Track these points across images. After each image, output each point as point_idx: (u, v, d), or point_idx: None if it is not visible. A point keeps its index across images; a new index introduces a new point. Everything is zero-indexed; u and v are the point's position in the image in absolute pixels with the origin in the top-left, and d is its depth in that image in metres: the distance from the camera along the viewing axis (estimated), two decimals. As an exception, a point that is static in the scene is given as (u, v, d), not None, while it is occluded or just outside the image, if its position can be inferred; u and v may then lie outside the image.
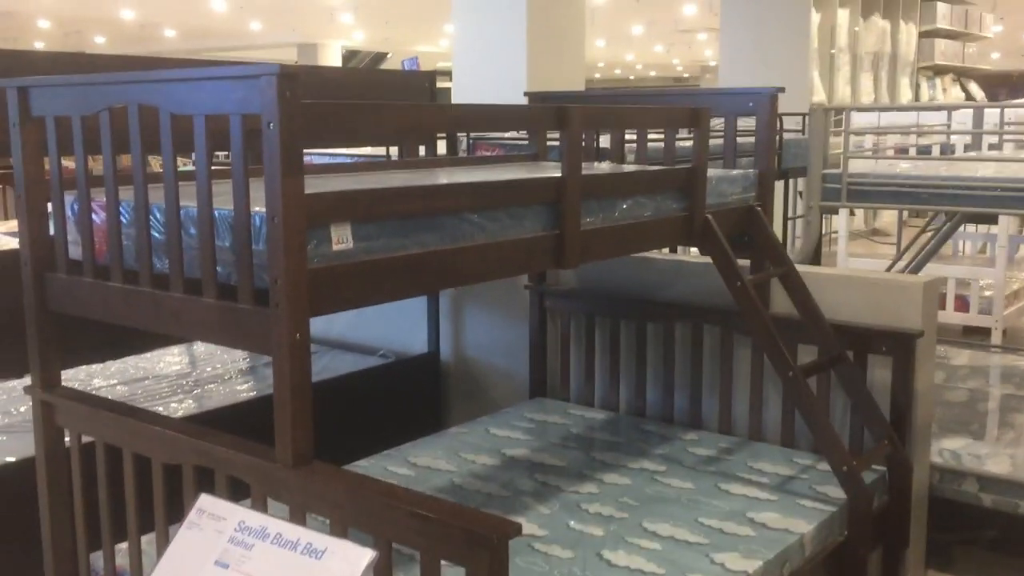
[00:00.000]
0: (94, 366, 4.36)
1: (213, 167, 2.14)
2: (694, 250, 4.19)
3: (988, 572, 3.62)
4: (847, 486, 3.01)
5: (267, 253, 2.00)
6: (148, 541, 2.57)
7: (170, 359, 4.61)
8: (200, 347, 4.84)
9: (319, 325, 4.85)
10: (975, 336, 6.39)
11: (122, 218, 2.36)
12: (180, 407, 3.82)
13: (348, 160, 4.32)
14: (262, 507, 2.08)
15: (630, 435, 3.70)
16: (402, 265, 2.24)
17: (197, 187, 2.12)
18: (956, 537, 3.88)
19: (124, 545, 2.57)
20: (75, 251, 2.50)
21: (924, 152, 5.56)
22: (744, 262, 3.35)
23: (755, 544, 2.76)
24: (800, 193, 6.32)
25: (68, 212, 2.50)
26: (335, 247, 2.10)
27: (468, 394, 4.53)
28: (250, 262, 2.06)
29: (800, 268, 3.44)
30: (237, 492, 2.17)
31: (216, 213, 2.13)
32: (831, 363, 3.29)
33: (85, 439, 2.59)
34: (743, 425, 3.67)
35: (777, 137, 4.10)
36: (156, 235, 2.28)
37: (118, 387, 4.09)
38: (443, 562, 1.86)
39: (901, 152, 5.66)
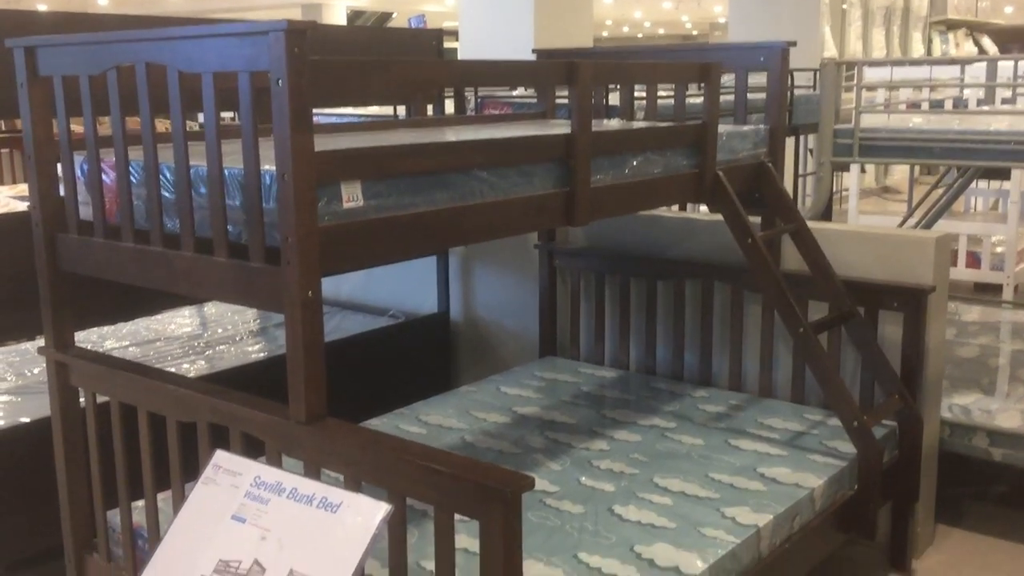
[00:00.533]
0: (106, 328, 4.39)
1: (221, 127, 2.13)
2: (704, 208, 4.17)
3: (997, 526, 3.64)
4: (857, 441, 3.02)
5: (277, 211, 1.99)
6: (164, 499, 2.60)
7: (181, 321, 4.63)
8: (211, 309, 4.86)
9: (328, 286, 4.86)
10: (986, 293, 6.37)
11: (132, 178, 2.35)
12: (192, 368, 3.84)
13: (356, 121, 4.30)
14: (276, 464, 2.10)
15: (640, 392, 3.71)
16: (413, 223, 2.24)
17: (206, 145, 2.11)
18: (966, 492, 3.90)
19: (140, 503, 2.60)
20: (86, 211, 2.50)
21: (937, 107, 5.50)
22: (755, 219, 3.34)
23: (765, 498, 2.77)
24: (811, 151, 6.27)
25: (78, 172, 2.50)
26: (346, 205, 2.10)
27: (478, 353, 4.55)
28: (260, 220, 2.06)
29: (811, 224, 3.42)
30: (251, 450, 2.19)
31: (226, 172, 2.13)
32: (842, 319, 3.28)
33: (100, 399, 2.61)
34: (753, 382, 3.68)
35: (788, 93, 4.06)
36: (166, 195, 2.28)
37: (130, 349, 4.11)
38: (457, 517, 1.88)
39: (913, 107, 5.60)
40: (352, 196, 2.11)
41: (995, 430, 3.45)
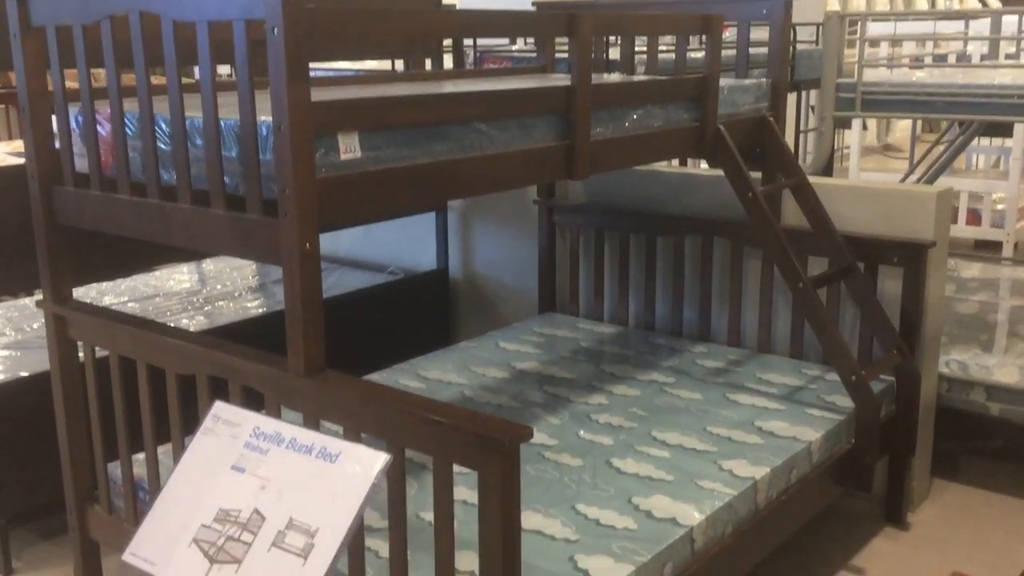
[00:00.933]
0: (104, 284, 4.38)
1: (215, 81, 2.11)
2: (704, 164, 4.15)
3: (993, 480, 3.66)
4: (855, 395, 3.03)
5: (274, 163, 1.98)
6: (164, 451, 2.61)
7: (180, 277, 4.63)
8: (210, 265, 4.85)
9: (327, 243, 4.86)
10: (986, 250, 6.36)
11: (127, 129, 2.33)
12: (191, 323, 3.84)
13: (353, 75, 4.26)
14: (276, 416, 2.10)
15: (639, 348, 3.72)
16: (411, 175, 2.22)
17: (202, 96, 2.09)
18: (962, 446, 3.92)
19: (141, 455, 2.61)
20: (81, 164, 2.48)
21: (940, 61, 5.45)
22: (755, 174, 3.32)
23: (763, 451, 2.79)
24: (812, 107, 6.23)
25: (73, 124, 2.48)
26: (343, 156, 2.08)
27: (477, 310, 4.55)
28: (257, 172, 2.04)
29: (812, 179, 3.40)
30: (251, 403, 2.19)
31: (222, 123, 2.11)
32: (841, 274, 3.28)
33: (99, 353, 2.61)
34: (752, 337, 3.69)
35: (791, 47, 4.01)
36: (162, 146, 2.27)
37: (129, 304, 4.11)
38: (456, 469, 1.88)
39: (917, 61, 5.55)
40: (350, 147, 2.09)
41: (993, 385, 3.45)
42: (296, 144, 1.93)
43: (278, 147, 1.95)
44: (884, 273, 3.36)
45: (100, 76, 2.43)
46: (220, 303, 4.16)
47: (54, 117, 2.50)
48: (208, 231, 2.17)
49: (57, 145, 2.53)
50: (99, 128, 2.40)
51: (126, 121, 2.33)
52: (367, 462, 1.71)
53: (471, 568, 2.04)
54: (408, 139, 2.23)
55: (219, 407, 1.92)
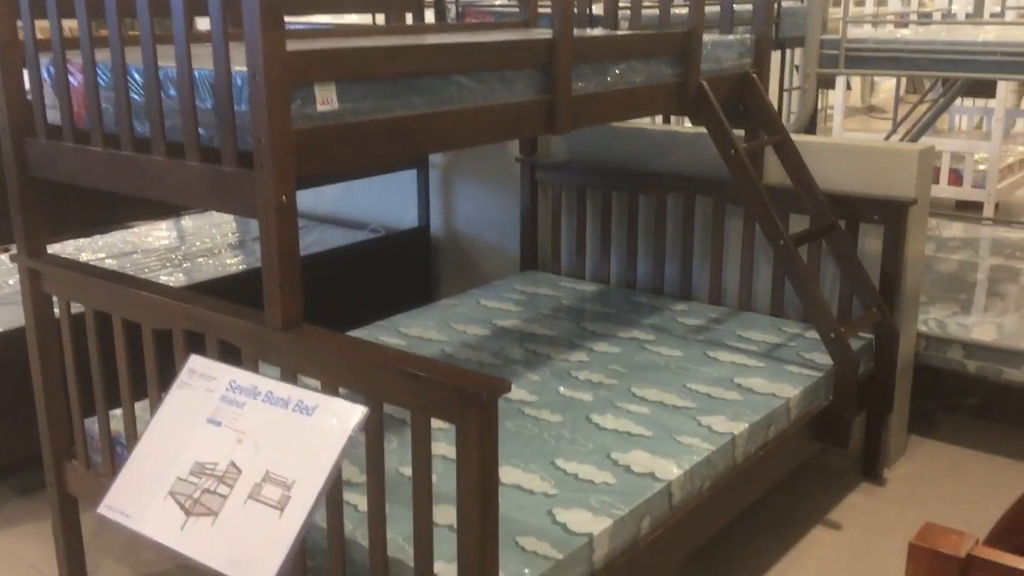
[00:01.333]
0: (82, 241, 4.34)
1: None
2: (687, 122, 4.12)
3: (969, 437, 3.70)
4: (834, 352, 3.05)
5: (250, 113, 1.94)
6: (142, 407, 2.60)
7: (158, 234, 4.58)
8: (189, 222, 4.81)
9: (307, 200, 4.82)
10: (968, 211, 6.38)
11: (100, 80, 2.29)
12: (170, 279, 3.81)
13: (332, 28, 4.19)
14: (253, 371, 2.09)
15: (620, 306, 3.72)
16: (389, 128, 2.19)
17: (175, 45, 2.04)
18: (939, 404, 3.96)
19: (118, 411, 2.59)
20: (54, 115, 2.44)
21: (925, 18, 5.42)
22: (739, 132, 3.30)
23: (741, 408, 2.80)
24: (796, 67, 6.19)
25: (44, 75, 2.43)
26: (320, 108, 2.05)
27: (459, 268, 4.53)
28: (232, 123, 2.01)
29: (795, 137, 3.39)
30: (228, 358, 2.17)
31: (196, 73, 2.07)
32: (822, 232, 3.28)
33: (75, 308, 2.58)
34: (733, 296, 3.69)
35: (775, 3, 3.98)
36: (136, 97, 2.22)
37: (107, 261, 4.07)
38: (438, 425, 1.88)
39: (902, 19, 5.51)
40: (327, 99, 2.06)
41: (970, 343, 3.48)
42: (271, 94, 1.89)
43: (253, 97, 1.91)
44: (865, 231, 3.37)
45: (73, 27, 2.37)
46: (200, 260, 4.13)
47: (25, 68, 2.45)
48: (183, 183, 2.14)
49: (29, 96, 2.48)
50: (71, 79, 2.35)
51: (99, 71, 2.28)
52: (344, 415, 1.71)
53: (449, 522, 2.05)
54: (387, 91, 2.19)
55: (195, 361, 1.91)
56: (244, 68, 1.93)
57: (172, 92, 2.13)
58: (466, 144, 2.53)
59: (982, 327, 3.57)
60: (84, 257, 4.13)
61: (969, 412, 3.94)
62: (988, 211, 6.37)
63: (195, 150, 2.10)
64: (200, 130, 2.10)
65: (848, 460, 3.50)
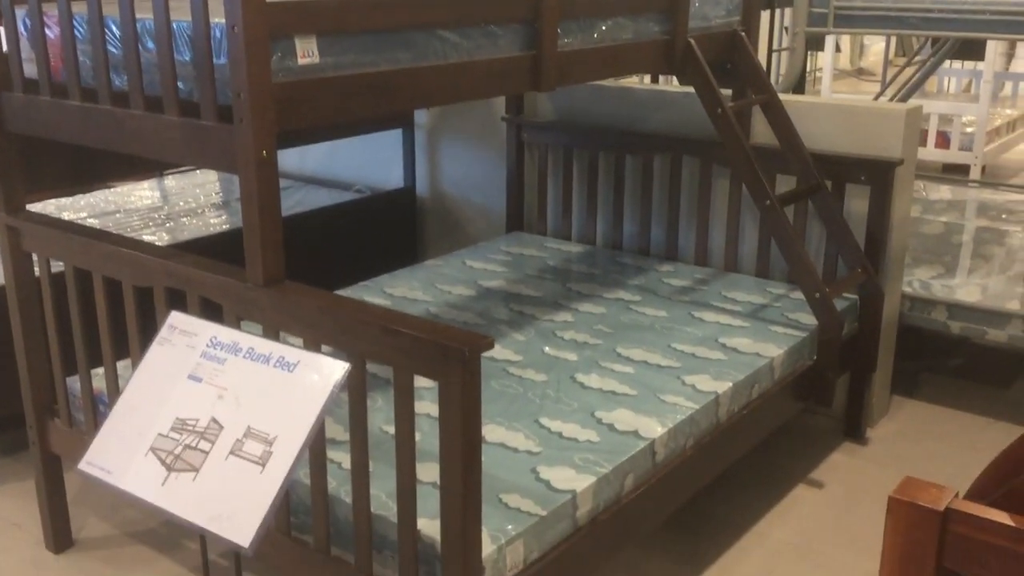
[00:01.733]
0: (64, 200, 4.29)
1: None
2: (675, 81, 4.09)
3: (951, 397, 3.73)
4: (818, 312, 3.05)
5: (229, 66, 1.91)
6: (124, 366, 2.58)
7: (141, 193, 4.54)
8: (171, 181, 4.76)
9: (292, 161, 4.78)
10: (954, 174, 6.38)
11: (77, 32, 2.24)
12: (153, 239, 3.77)
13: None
14: (235, 329, 2.07)
15: (606, 267, 3.71)
16: (372, 82, 2.16)
17: (152, -4, 2.01)
18: (922, 365, 3.99)
19: (100, 370, 2.58)
20: (30, 69, 2.39)
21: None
22: (726, 91, 3.28)
23: (726, 367, 2.81)
24: (786, 28, 6.15)
25: (21, 28, 2.38)
26: (300, 61, 2.02)
27: (444, 229, 4.51)
28: (211, 76, 1.98)
29: (782, 96, 3.37)
30: (209, 317, 2.15)
31: (174, 25, 2.03)
32: (809, 192, 3.27)
33: (55, 267, 2.56)
34: (719, 257, 3.69)
35: (764, -39, 3.94)
36: (113, 50, 2.18)
37: (89, 220, 4.03)
38: (423, 384, 1.87)
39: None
40: (308, 52, 2.03)
41: (955, 304, 3.49)
42: (251, 47, 1.86)
43: (232, 50, 1.88)
44: (851, 192, 3.36)
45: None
46: (183, 219, 4.09)
47: (1, 20, 2.40)
48: (162, 138, 2.11)
49: (5, 50, 2.43)
50: (48, 31, 2.31)
51: (75, 24, 2.24)
52: (326, 371, 1.70)
53: (433, 479, 2.05)
54: (369, 45, 2.16)
55: (175, 317, 1.90)
56: (222, 20, 1.89)
57: (150, 45, 2.09)
58: (450, 100, 2.50)
59: (966, 288, 3.58)
60: (66, 216, 4.08)
61: (952, 372, 3.97)
62: (975, 174, 6.37)
63: (174, 104, 2.06)
64: (179, 84, 2.06)
65: (831, 420, 3.52)
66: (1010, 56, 8.42)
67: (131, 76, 2.13)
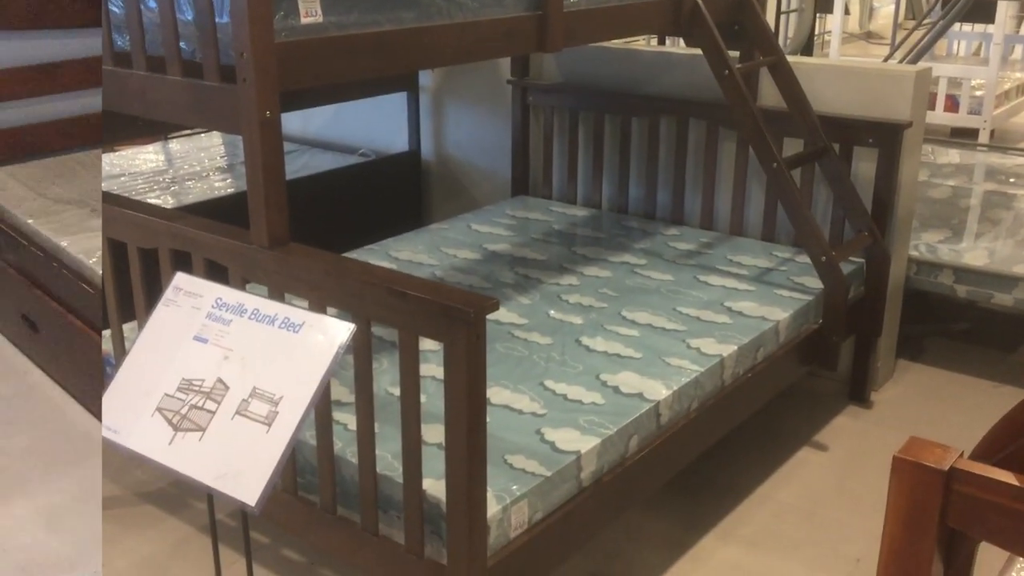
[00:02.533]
0: (68, 163, 4.28)
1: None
2: (682, 43, 4.05)
3: (956, 361, 3.73)
4: (824, 275, 3.04)
5: (231, 25, 1.89)
6: (131, 328, 2.59)
7: (146, 156, 4.53)
8: (176, 145, 4.75)
9: (296, 124, 4.76)
10: (963, 138, 6.33)
11: (78, -8, 2.23)
12: (158, 202, 3.77)
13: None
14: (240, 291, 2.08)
15: (612, 231, 3.70)
16: (376, 42, 2.14)
17: (154, -46, 1.99)
18: (928, 329, 3.98)
19: (107, 332, 2.59)
20: (31, 30, 2.38)
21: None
22: (734, 54, 3.24)
23: (731, 330, 2.80)
24: (794, -11, 6.08)
25: (21, -13, 2.36)
26: (304, 20, 2.00)
27: (450, 193, 4.49)
28: (214, 36, 1.96)
29: (790, 59, 3.34)
30: (215, 279, 2.16)
31: (176, -16, 2.01)
32: (816, 155, 3.25)
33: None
34: (725, 220, 3.67)
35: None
36: (115, 10, 2.17)
37: (93, 184, 4.02)
38: (429, 346, 1.87)
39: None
40: (311, 11, 2.01)
41: (961, 267, 3.48)
42: (253, 5, 1.84)
43: (234, 9, 1.86)
44: (859, 155, 3.34)
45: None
46: (188, 183, 4.08)
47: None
48: (164, 99, 2.10)
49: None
50: (48, -9, 2.29)
51: (76, -17, 2.22)
52: (332, 332, 1.70)
53: (439, 440, 2.06)
54: (373, 4, 2.14)
55: (180, 278, 1.90)
56: (225, -22, 1.88)
57: (152, 4, 2.07)
58: (455, 61, 2.48)
59: (973, 252, 3.56)
60: (70, 180, 4.08)
61: (957, 336, 3.97)
62: (984, 138, 6.32)
63: (176, 64, 2.05)
64: (182, 44, 2.05)
65: (836, 383, 3.52)
66: (1020, 19, 8.32)
67: (133, 36, 2.11)
